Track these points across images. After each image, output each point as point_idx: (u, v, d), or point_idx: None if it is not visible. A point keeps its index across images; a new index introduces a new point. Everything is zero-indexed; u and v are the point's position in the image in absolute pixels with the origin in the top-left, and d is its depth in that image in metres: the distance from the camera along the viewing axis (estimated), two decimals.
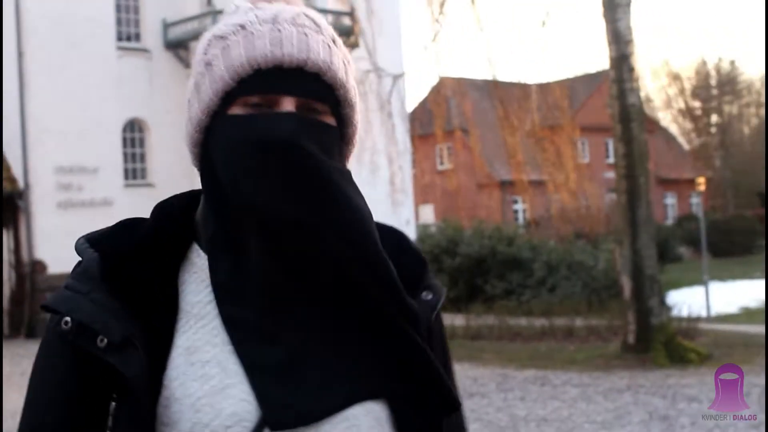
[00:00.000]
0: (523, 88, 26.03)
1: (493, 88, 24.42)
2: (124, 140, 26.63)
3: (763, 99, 53.37)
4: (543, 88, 26.18)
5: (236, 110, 1.51)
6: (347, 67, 1.58)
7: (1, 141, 23.46)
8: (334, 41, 1.57)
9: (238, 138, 1.49)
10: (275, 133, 1.47)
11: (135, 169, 26.91)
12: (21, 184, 25.11)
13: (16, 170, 25.27)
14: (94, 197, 25.63)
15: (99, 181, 25.72)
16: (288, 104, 1.50)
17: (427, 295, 1.62)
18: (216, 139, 1.53)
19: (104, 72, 25.75)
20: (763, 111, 54.87)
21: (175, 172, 26.71)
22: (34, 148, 24.95)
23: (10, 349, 21.60)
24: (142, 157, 27.03)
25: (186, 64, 27.03)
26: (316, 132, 1.50)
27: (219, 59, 1.52)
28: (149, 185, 26.82)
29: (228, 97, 1.52)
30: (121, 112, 26.24)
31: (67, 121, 24.98)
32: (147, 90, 26.62)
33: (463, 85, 29.02)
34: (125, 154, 26.69)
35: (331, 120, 1.55)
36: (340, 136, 1.58)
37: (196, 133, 1.57)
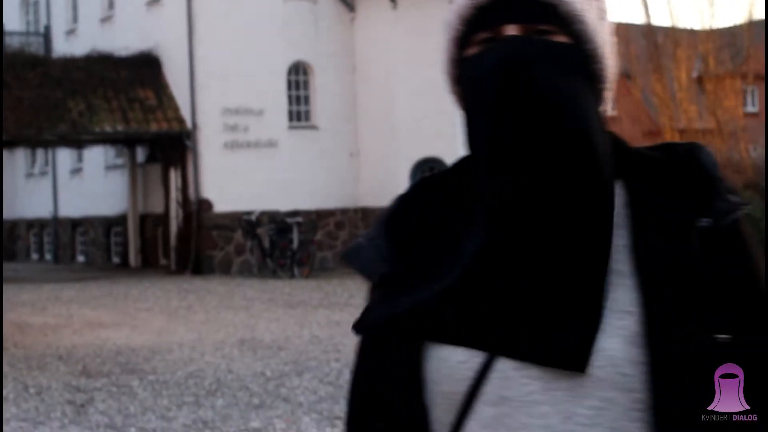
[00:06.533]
0: (688, 33, 25.08)
1: (649, 32, 23.65)
2: (289, 83, 26.97)
3: None
4: (708, 34, 25.09)
5: (469, 52, 1.44)
6: None
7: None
8: None
9: (464, 80, 1.45)
10: (491, 61, 1.39)
11: (299, 112, 27.25)
12: (189, 124, 25.84)
13: (184, 111, 26.01)
14: (259, 138, 26.16)
15: (264, 122, 26.22)
16: (511, 31, 1.40)
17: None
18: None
19: (270, 16, 26.13)
20: None
21: (338, 115, 27.06)
22: (201, 90, 25.60)
23: (177, 284, 22.43)
24: (306, 100, 27.34)
25: (350, 7, 27.16)
26: (544, 53, 1.38)
27: (452, 7, 1.48)
28: (313, 127, 27.17)
29: (462, 42, 1.45)
30: (286, 55, 26.61)
31: (233, 64, 25.53)
32: (312, 33, 26.85)
33: (624, 29, 28.17)
34: (290, 97, 27.03)
35: (563, 38, 1.40)
36: (581, 54, 1.42)
37: (453, 87, 1.50)
